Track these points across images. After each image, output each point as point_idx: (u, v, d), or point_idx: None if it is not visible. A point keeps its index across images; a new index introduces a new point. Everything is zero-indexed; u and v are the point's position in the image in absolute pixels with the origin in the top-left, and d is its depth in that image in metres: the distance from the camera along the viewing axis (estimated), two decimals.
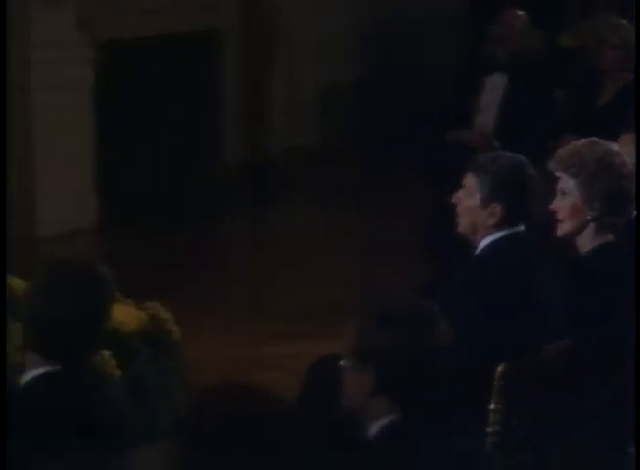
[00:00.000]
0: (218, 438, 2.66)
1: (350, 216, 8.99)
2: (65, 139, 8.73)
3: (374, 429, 3.27)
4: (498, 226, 4.53)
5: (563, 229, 4.63)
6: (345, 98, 10.45)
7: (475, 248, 4.61)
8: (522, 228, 4.60)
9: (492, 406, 4.11)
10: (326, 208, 9.21)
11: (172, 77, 9.61)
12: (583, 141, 4.72)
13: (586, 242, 4.60)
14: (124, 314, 5.81)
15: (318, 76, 10.40)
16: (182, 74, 9.70)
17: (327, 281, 7.75)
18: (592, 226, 4.58)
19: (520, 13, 7.82)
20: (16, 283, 5.47)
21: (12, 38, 8.54)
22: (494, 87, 7.62)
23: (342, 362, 3.36)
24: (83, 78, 8.86)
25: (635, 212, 4.69)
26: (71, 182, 8.78)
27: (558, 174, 4.62)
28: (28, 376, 3.55)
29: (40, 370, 3.53)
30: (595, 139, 4.72)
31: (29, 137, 8.74)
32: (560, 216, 4.61)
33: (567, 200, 4.59)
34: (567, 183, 4.59)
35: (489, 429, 4.09)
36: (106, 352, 5.49)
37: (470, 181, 4.58)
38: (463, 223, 4.61)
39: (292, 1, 10.13)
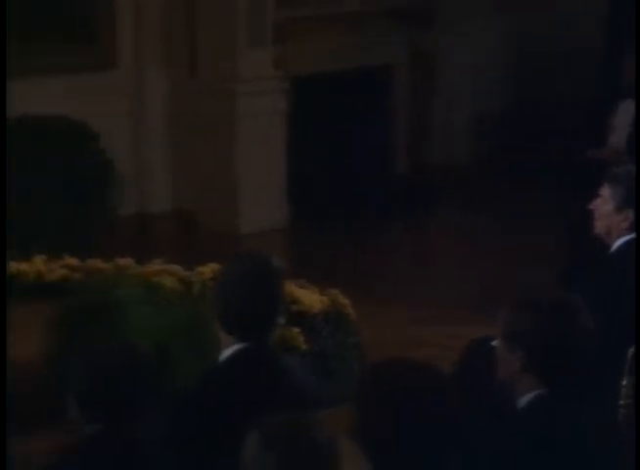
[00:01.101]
0: (388, 402, 2.62)
1: (500, 221, 8.92)
2: (263, 154, 8.79)
3: (523, 401, 3.20)
4: (630, 229, 4.59)
5: None
6: (495, 121, 10.36)
7: (609, 247, 4.66)
8: None
9: (624, 382, 4.07)
10: (477, 214, 9.14)
11: (351, 104, 9.61)
12: None
13: None
14: (311, 299, 5.85)
15: (472, 105, 10.32)
16: (359, 101, 9.69)
17: (481, 275, 7.66)
18: None
19: None
20: None
21: (218, 73, 8.66)
22: (626, 111, 7.56)
23: (494, 343, 3.32)
24: (279, 107, 8.90)
25: None
26: (268, 189, 8.82)
27: None
28: (225, 353, 3.49)
29: (234, 348, 3.48)
30: None
31: (234, 153, 8.77)
32: None
33: None
34: None
35: (621, 402, 4.06)
36: (295, 330, 5.52)
37: (606, 191, 4.66)
38: (599, 226, 4.69)
39: (450, 43, 10.04)
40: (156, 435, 3.17)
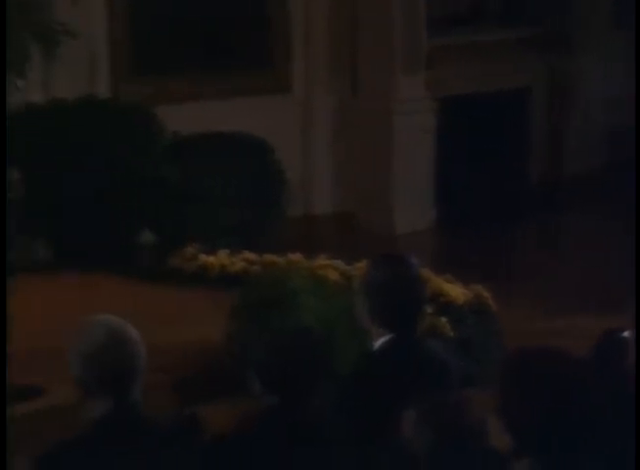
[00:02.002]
0: (531, 386, 2.56)
1: (623, 222, 8.67)
2: (414, 164, 8.75)
3: None
4: None
5: None
6: (628, 133, 10.09)
7: None
8: None
9: None
10: (606, 219, 8.91)
11: (492, 121, 9.48)
12: None
13: None
14: (456, 292, 5.79)
15: (605, 118, 10.04)
16: (499, 118, 9.56)
17: (610, 273, 7.42)
18: None
19: None
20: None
21: (377, 95, 8.64)
22: None
23: (625, 334, 3.20)
24: (429, 123, 8.85)
25: None
26: (418, 194, 8.78)
27: None
28: (378, 343, 3.42)
29: (385, 338, 3.40)
30: None
31: (390, 163, 8.76)
32: None
33: None
34: None
35: None
36: (443, 319, 5.47)
37: None
38: None
39: (585, 61, 9.81)
40: (323, 410, 3.17)
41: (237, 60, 8.33)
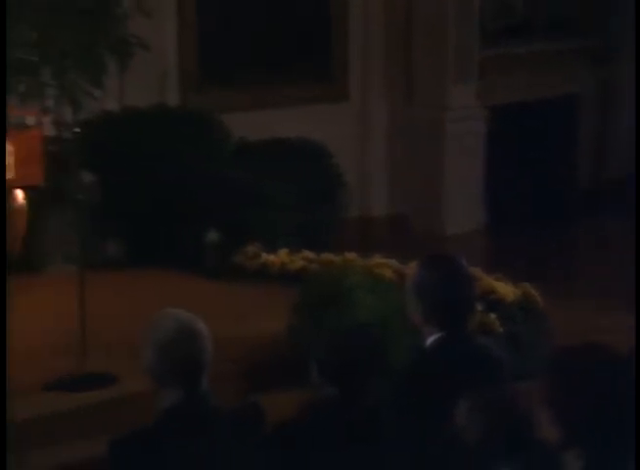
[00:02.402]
0: (579, 380, 2.53)
1: None
2: (465, 168, 8.69)
3: None
4: None
5: None
6: None
7: None
8: None
9: None
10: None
11: (540, 127, 9.38)
12: None
13: None
14: (506, 290, 5.72)
15: None
16: (547, 125, 9.46)
17: None
18: None
19: None
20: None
21: (430, 103, 8.62)
22: None
23: None
24: (479, 130, 8.81)
25: None
26: (468, 197, 8.73)
27: None
28: (429, 340, 3.36)
29: (435, 336, 3.34)
30: None
31: (441, 168, 8.72)
32: None
33: None
34: None
35: None
36: (492, 316, 5.41)
37: None
38: None
39: (628, 76, 9.68)
40: (377, 404, 3.15)
41: (298, 71, 8.34)
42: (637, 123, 6.12)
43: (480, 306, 5.14)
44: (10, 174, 6.17)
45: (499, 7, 9.12)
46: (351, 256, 6.50)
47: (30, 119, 6.53)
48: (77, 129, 5.60)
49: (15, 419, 4.22)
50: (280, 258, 6.71)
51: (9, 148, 6.15)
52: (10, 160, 6.17)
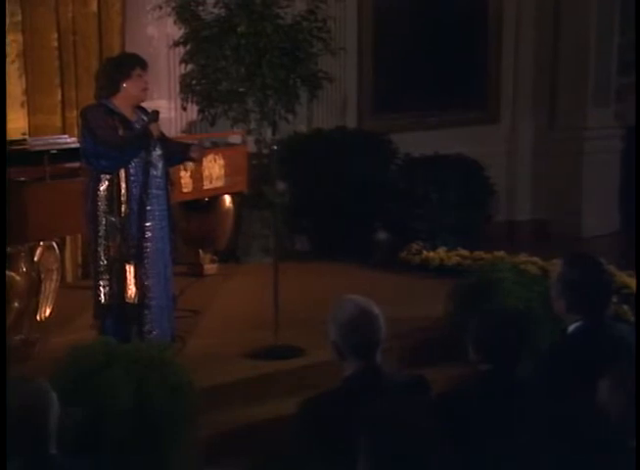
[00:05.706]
0: None
1: None
2: (601, 180, 8.34)
3: None
4: None
5: None
6: None
7: None
8: None
9: None
10: None
11: None
12: None
13: None
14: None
15: None
16: None
17: None
18: None
19: None
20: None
21: (571, 124, 8.29)
22: None
23: None
24: (616, 147, 8.46)
25: None
26: (604, 204, 8.39)
27: None
28: (572, 326, 3.18)
29: (577, 323, 3.16)
30: None
31: (580, 179, 8.41)
32: None
33: None
34: None
35: None
36: (625, 307, 5.15)
37: None
38: None
39: None
40: (527, 377, 3.03)
41: (456, 98, 8.27)
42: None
43: (614, 299, 4.89)
44: (220, 183, 6.33)
45: (634, 41, 8.75)
46: (500, 254, 6.36)
47: (234, 139, 6.70)
48: (275, 147, 5.70)
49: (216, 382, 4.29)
50: (439, 254, 6.66)
51: (220, 161, 6.31)
52: (221, 171, 6.33)
